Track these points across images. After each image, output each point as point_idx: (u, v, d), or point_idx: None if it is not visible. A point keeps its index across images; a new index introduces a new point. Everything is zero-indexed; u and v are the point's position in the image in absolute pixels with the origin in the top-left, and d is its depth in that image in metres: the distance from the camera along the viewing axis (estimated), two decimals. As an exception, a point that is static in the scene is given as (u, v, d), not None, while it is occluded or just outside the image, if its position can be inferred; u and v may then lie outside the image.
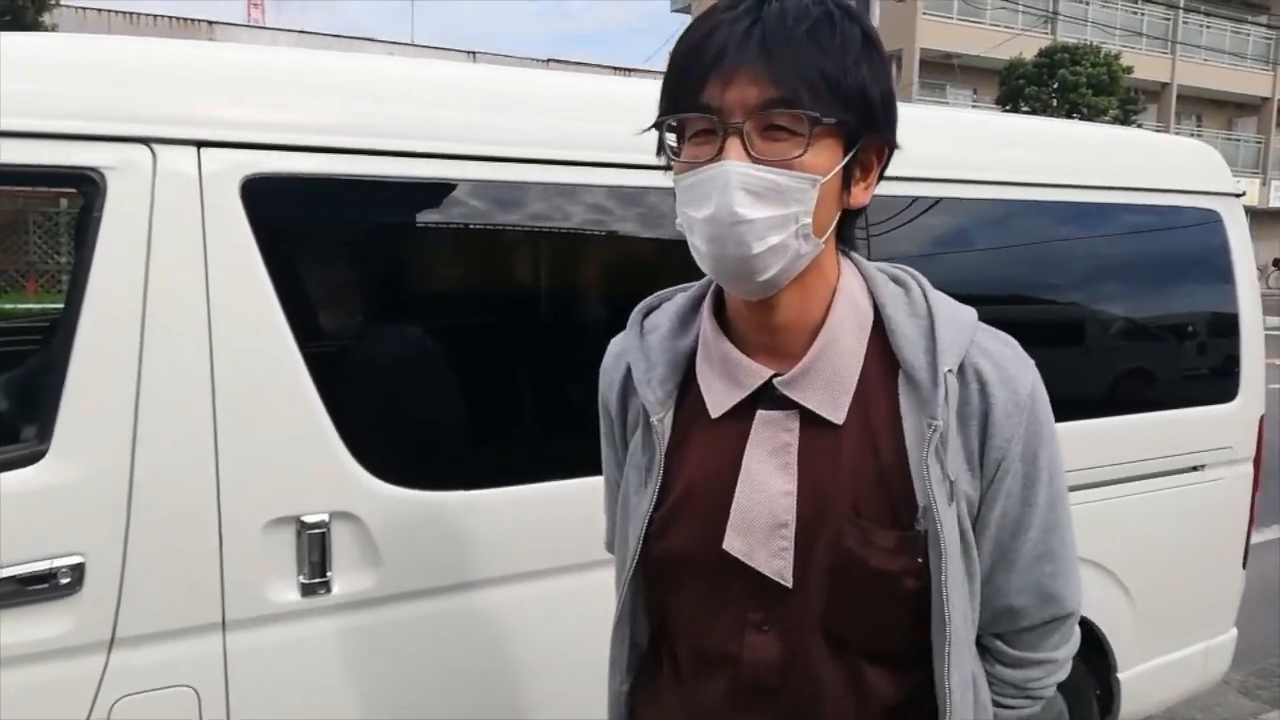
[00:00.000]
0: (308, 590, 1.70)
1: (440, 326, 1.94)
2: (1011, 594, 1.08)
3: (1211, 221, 2.82)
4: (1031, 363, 1.07)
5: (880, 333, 1.06)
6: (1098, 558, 2.56)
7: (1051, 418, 1.06)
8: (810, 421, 1.03)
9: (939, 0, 26.05)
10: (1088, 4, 27.90)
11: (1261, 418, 2.88)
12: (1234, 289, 2.83)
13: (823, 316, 1.04)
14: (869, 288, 1.08)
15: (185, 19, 21.94)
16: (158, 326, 1.58)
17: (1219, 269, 2.83)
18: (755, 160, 0.93)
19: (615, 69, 21.94)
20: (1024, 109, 22.50)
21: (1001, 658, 1.13)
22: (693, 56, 0.96)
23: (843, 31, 0.96)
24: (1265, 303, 3.07)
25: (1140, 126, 18.58)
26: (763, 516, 1.02)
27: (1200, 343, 2.85)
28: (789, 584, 1.01)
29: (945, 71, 26.27)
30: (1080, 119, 19.28)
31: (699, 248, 0.98)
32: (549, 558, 1.90)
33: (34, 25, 15.45)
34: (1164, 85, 29.68)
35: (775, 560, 1.01)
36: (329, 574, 1.72)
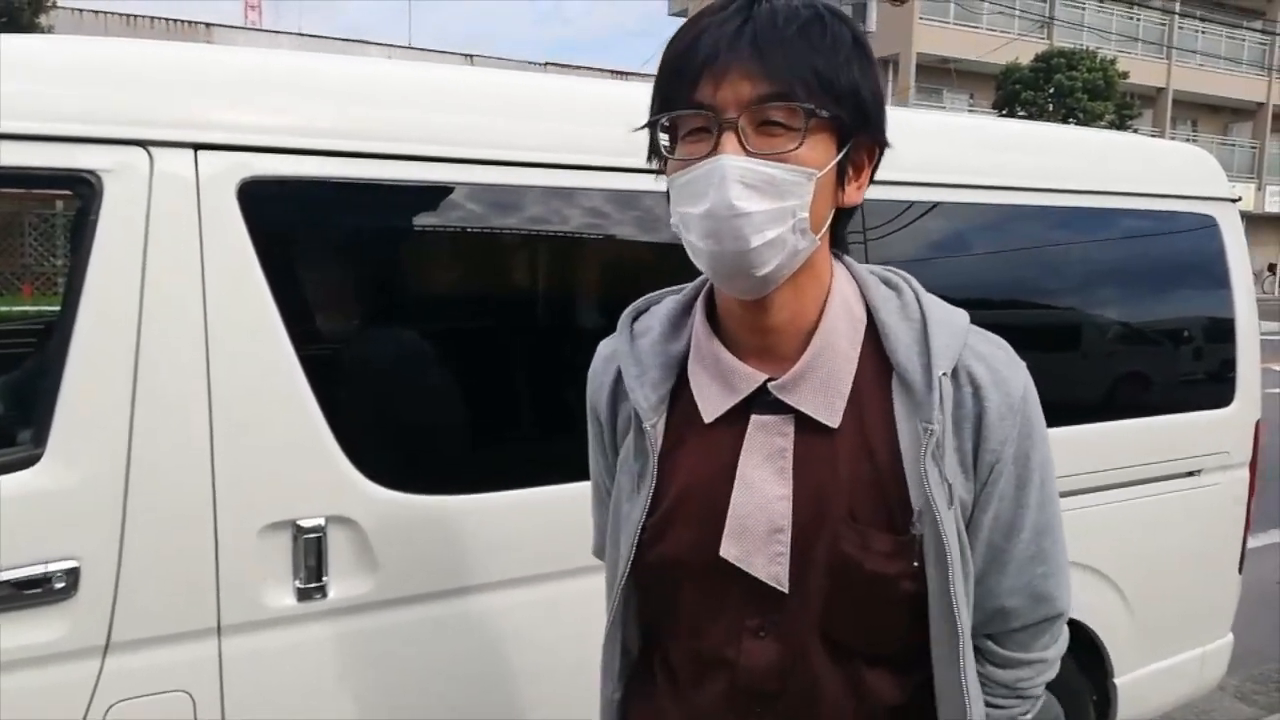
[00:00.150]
0: (304, 595, 1.70)
1: (437, 330, 1.94)
2: (1004, 595, 1.08)
3: (1207, 226, 2.82)
4: (1023, 364, 1.07)
5: (873, 336, 1.06)
6: (1094, 563, 2.57)
7: (1043, 419, 1.07)
8: (805, 426, 1.03)
9: (936, 5, 26.11)
10: (1084, 9, 27.98)
11: (1258, 423, 2.89)
12: (1230, 294, 2.83)
13: (816, 319, 1.04)
14: (861, 290, 1.08)
15: (182, 21, 21.94)
16: (154, 330, 1.58)
17: (1215, 274, 2.83)
18: (751, 154, 0.93)
19: (613, 72, 21.96)
20: (1020, 114, 22.54)
21: (993, 658, 1.13)
22: (685, 56, 0.97)
23: (833, 32, 0.97)
24: (1261, 308, 3.08)
25: (1136, 131, 18.63)
26: (759, 522, 1.02)
27: (1196, 347, 2.86)
28: (785, 589, 1.01)
29: (942, 76, 26.33)
30: (1076, 124, 19.32)
31: (695, 244, 0.98)
32: (546, 562, 1.90)
33: (30, 27, 15.45)
34: (1160, 90, 29.77)
35: (772, 566, 1.01)
36: (325, 579, 1.71)
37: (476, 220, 1.90)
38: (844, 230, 1.09)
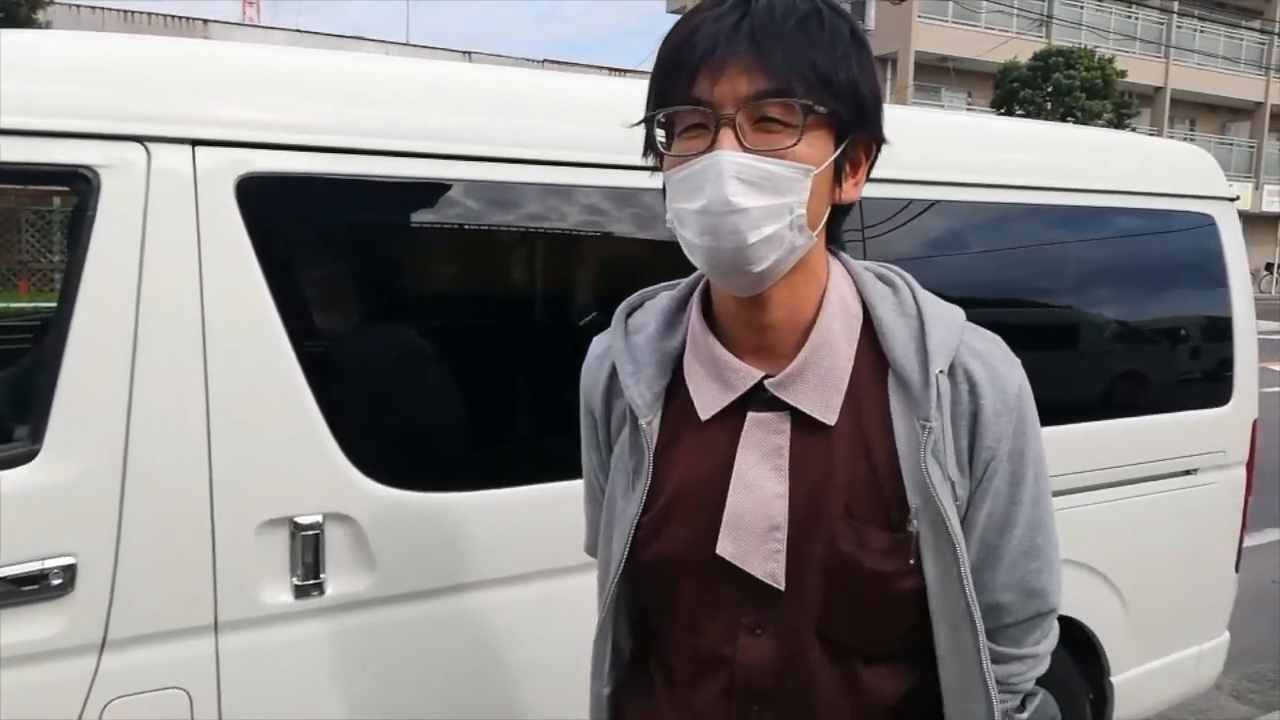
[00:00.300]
0: (301, 592, 1.70)
1: (435, 327, 1.94)
2: (997, 591, 1.08)
3: (1205, 225, 2.82)
4: (1018, 361, 1.07)
5: (869, 333, 1.05)
6: (1091, 561, 2.57)
7: (1036, 415, 1.07)
8: (802, 423, 1.03)
9: (934, 4, 26.10)
10: (1082, 8, 27.98)
11: (1254, 422, 2.89)
12: (1228, 293, 2.83)
13: (813, 316, 1.04)
14: (857, 287, 1.08)
15: (180, 17, 21.90)
16: (151, 326, 1.58)
17: (1213, 273, 2.83)
18: (748, 150, 0.93)
19: (610, 70, 21.95)
20: (1018, 112, 22.54)
21: None
22: (681, 52, 0.96)
23: (831, 26, 0.96)
24: (1258, 307, 3.08)
25: (1134, 130, 18.63)
26: (756, 519, 1.01)
27: (1194, 347, 2.86)
28: (781, 586, 1.01)
29: (940, 75, 26.32)
30: (1074, 122, 19.33)
31: (692, 241, 0.97)
32: (543, 560, 1.90)
33: (28, 23, 15.42)
34: (1158, 89, 29.78)
35: (768, 563, 1.01)
36: (322, 576, 1.71)
37: (474, 217, 1.89)
38: (840, 227, 1.09)
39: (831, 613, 1.02)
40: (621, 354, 1.12)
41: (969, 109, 25.34)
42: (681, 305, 1.13)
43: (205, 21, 22.13)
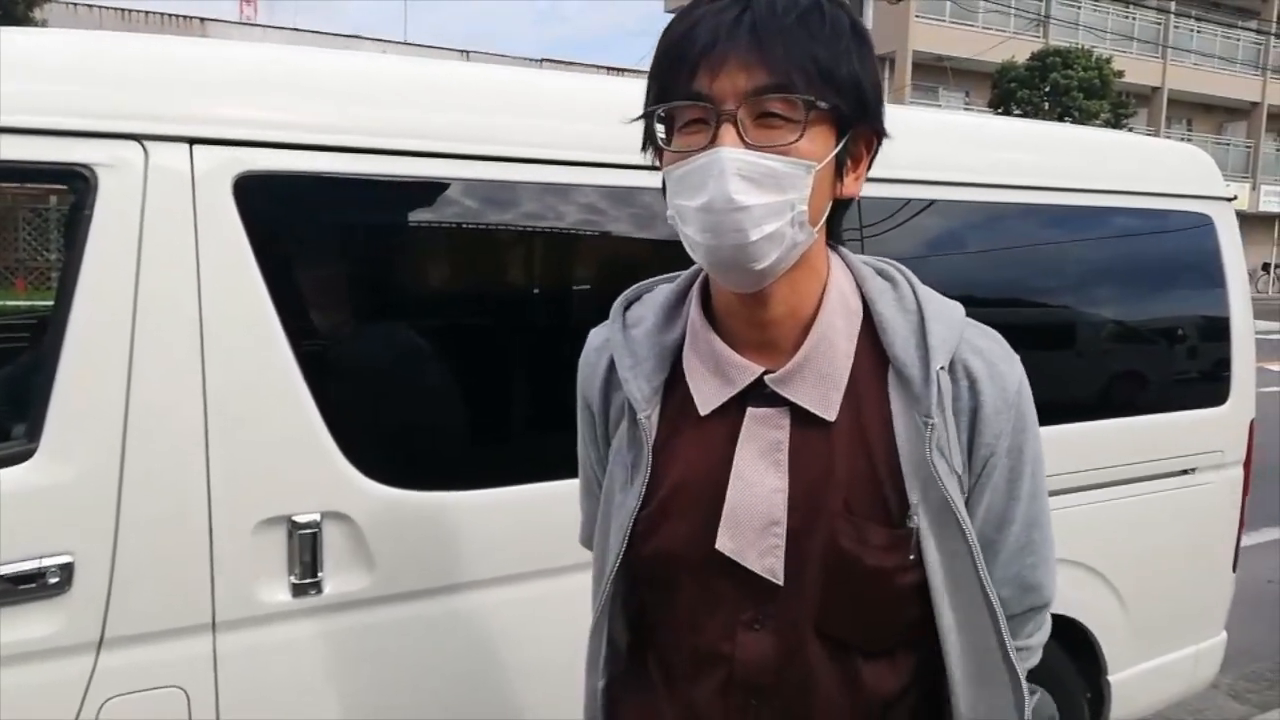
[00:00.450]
0: (299, 591, 1.70)
1: (433, 326, 1.93)
2: (994, 585, 1.08)
3: (1203, 225, 2.83)
4: (1017, 358, 1.07)
5: (869, 328, 1.05)
6: (1089, 560, 2.57)
7: (1034, 411, 1.07)
8: (801, 419, 1.03)
9: (932, 3, 26.11)
10: (1079, 8, 28.00)
11: (1251, 422, 2.90)
12: (1225, 293, 2.84)
13: (813, 312, 1.04)
14: (857, 282, 1.08)
15: (178, 16, 21.88)
16: (149, 324, 1.57)
17: (1210, 273, 2.84)
18: (750, 147, 0.93)
19: (608, 69, 21.94)
20: (1016, 112, 22.55)
21: None
22: (682, 46, 0.95)
23: (832, 19, 0.96)
24: (1256, 307, 3.08)
25: (1131, 130, 18.66)
26: (755, 515, 1.01)
27: (1191, 346, 2.86)
28: (780, 582, 1.01)
29: (938, 74, 26.30)
30: (1072, 122, 19.35)
31: (693, 238, 0.97)
32: (541, 559, 1.89)
33: (25, 20, 15.38)
34: (1155, 89, 29.80)
35: (767, 558, 1.01)
36: (320, 574, 1.71)
37: (472, 216, 1.89)
38: (841, 222, 1.09)
39: (831, 609, 1.02)
40: (620, 347, 1.12)
41: (966, 109, 25.35)
42: (680, 299, 1.13)
43: (203, 20, 22.11)
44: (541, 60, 23.78)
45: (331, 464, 1.71)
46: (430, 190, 1.85)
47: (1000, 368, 1.04)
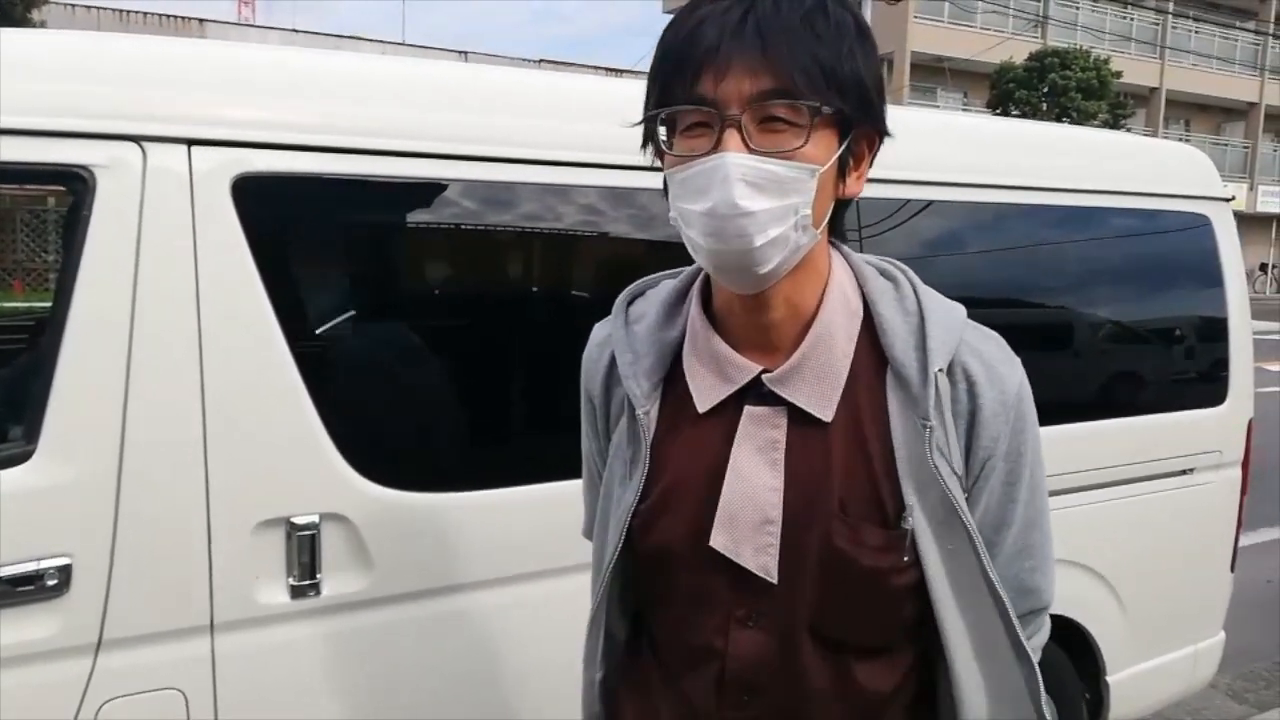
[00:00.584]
0: (297, 592, 1.69)
1: (431, 327, 1.93)
2: None
3: (1201, 226, 2.83)
4: (1018, 360, 1.07)
5: (869, 328, 1.05)
6: (1087, 561, 2.57)
7: (1035, 414, 1.07)
8: (798, 418, 1.03)
9: (931, 4, 26.12)
10: (1078, 8, 28.02)
11: (1250, 422, 2.90)
12: (1223, 293, 2.84)
13: (814, 311, 1.04)
14: (858, 281, 1.07)
15: (176, 17, 21.87)
16: (147, 326, 1.57)
17: (1208, 273, 2.84)
18: (754, 152, 0.92)
19: (606, 70, 21.94)
20: (1014, 113, 22.56)
21: None
22: (685, 48, 0.94)
23: (836, 19, 0.95)
24: (1253, 307, 3.09)
25: (1129, 131, 18.67)
26: (749, 512, 1.01)
27: (1189, 346, 2.87)
28: (774, 579, 1.01)
29: (936, 75, 26.33)
30: (1070, 123, 19.36)
31: (697, 241, 0.97)
32: (539, 560, 1.89)
33: (23, 21, 15.37)
34: (1153, 90, 29.83)
35: (761, 556, 1.01)
36: (318, 576, 1.71)
37: (470, 216, 1.89)
38: (843, 221, 1.08)
39: (826, 608, 1.02)
40: (621, 343, 1.12)
41: (965, 109, 25.37)
42: (682, 296, 1.13)
43: (201, 21, 22.10)
44: (539, 61, 23.78)
45: (330, 465, 1.71)
46: (428, 191, 1.85)
47: (999, 370, 1.04)
